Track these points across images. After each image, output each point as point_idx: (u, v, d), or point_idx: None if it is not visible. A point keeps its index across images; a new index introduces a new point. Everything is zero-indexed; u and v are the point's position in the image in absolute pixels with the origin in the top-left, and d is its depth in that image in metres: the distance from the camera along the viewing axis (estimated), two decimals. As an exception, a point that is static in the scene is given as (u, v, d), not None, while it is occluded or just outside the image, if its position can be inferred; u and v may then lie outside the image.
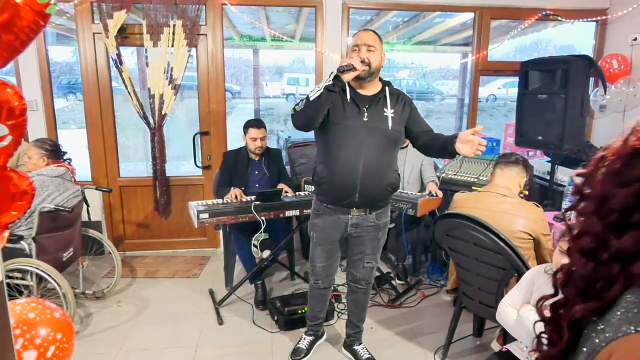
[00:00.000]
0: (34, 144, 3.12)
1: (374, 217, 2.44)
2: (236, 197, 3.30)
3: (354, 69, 2.17)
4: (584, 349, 0.64)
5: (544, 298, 0.79)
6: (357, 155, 2.27)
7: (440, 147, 2.28)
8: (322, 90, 2.14)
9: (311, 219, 2.55)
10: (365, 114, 2.30)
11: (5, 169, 1.23)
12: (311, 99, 2.16)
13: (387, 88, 2.37)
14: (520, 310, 1.85)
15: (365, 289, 2.67)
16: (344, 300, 3.42)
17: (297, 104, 2.25)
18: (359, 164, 2.28)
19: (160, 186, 4.22)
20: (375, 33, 2.35)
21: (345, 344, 2.84)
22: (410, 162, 3.79)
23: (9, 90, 1.14)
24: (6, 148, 1.16)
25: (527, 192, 2.73)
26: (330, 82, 2.16)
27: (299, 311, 3.03)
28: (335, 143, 2.29)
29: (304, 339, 2.80)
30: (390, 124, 2.33)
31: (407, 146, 3.80)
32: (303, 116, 2.22)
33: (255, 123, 3.52)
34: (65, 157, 3.25)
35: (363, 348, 2.77)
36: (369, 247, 2.52)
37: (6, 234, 1.33)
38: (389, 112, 2.34)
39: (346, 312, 3.26)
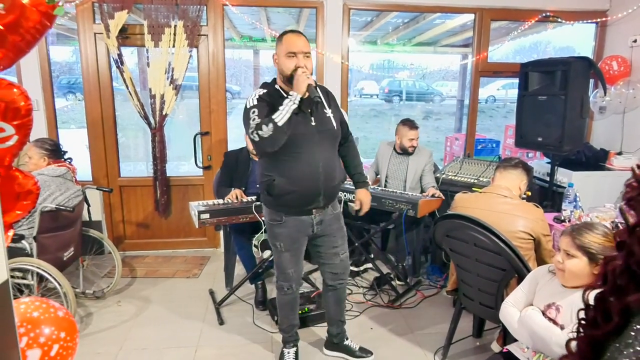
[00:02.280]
0: (34, 144, 3.12)
1: (331, 209, 2.51)
2: (237, 197, 3.30)
3: (315, 88, 2.20)
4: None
5: (590, 287, 0.80)
6: (316, 160, 2.29)
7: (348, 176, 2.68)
8: (290, 114, 2.13)
9: (271, 229, 2.46)
10: (312, 118, 2.31)
11: (11, 169, 1.24)
12: (280, 124, 2.11)
13: (317, 88, 2.27)
14: (523, 311, 1.86)
15: (345, 282, 2.72)
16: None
17: (257, 130, 2.11)
18: (319, 168, 2.30)
19: (161, 186, 4.23)
20: (304, 36, 2.33)
21: (331, 344, 2.81)
22: (413, 168, 3.78)
23: (15, 90, 1.15)
24: (12, 148, 1.16)
25: (529, 193, 2.74)
26: (296, 105, 2.15)
27: (299, 312, 3.03)
28: (292, 153, 2.25)
29: (288, 353, 2.68)
30: (334, 123, 2.39)
31: (412, 153, 3.81)
32: (274, 142, 2.13)
33: None
34: (66, 157, 3.26)
35: (351, 342, 2.80)
36: (338, 238, 2.58)
37: (11, 233, 1.34)
38: (328, 111, 2.38)
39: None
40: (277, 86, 2.35)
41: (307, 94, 2.18)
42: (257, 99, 2.24)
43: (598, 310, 0.74)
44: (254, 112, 2.18)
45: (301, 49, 2.25)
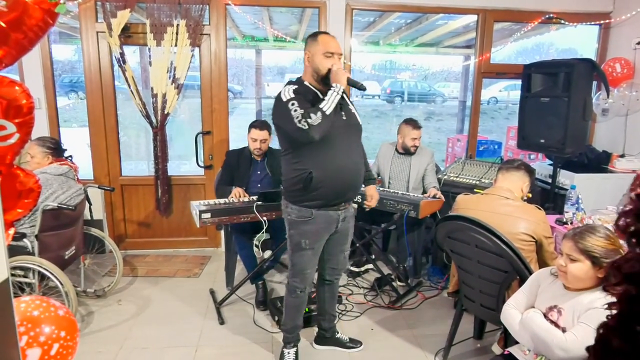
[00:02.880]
0: (36, 143, 3.12)
1: (351, 207, 2.60)
2: (239, 195, 3.30)
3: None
4: None
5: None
6: (347, 153, 2.38)
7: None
8: (335, 104, 2.23)
9: (297, 227, 2.42)
10: (342, 112, 2.39)
11: (12, 167, 1.24)
12: (328, 112, 2.19)
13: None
14: (525, 313, 1.85)
15: (340, 277, 2.80)
16: (344, 301, 3.43)
17: (306, 117, 2.16)
18: (351, 161, 2.39)
19: (162, 185, 4.22)
20: None
21: (323, 338, 2.86)
22: (416, 168, 3.78)
23: (17, 88, 1.14)
24: (13, 146, 1.16)
25: (530, 195, 2.73)
26: (340, 96, 2.26)
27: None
28: (327, 146, 2.30)
29: (288, 353, 2.67)
30: (358, 118, 2.50)
31: (414, 153, 3.80)
32: (322, 129, 2.19)
33: (259, 124, 3.52)
34: (67, 155, 3.26)
35: (341, 334, 2.89)
36: (350, 235, 2.66)
37: (12, 231, 1.34)
38: (352, 107, 2.51)
39: (344, 313, 3.27)
40: (306, 83, 2.39)
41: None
42: (293, 92, 2.27)
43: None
44: (292, 104, 2.20)
45: (338, 50, 2.35)
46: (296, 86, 2.33)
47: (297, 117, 2.17)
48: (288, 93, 2.25)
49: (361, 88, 2.36)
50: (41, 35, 1.13)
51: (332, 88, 2.26)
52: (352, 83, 2.36)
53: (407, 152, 3.80)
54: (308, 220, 2.40)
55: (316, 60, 2.32)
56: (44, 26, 1.12)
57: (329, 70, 2.31)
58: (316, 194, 2.35)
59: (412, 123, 3.76)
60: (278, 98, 2.29)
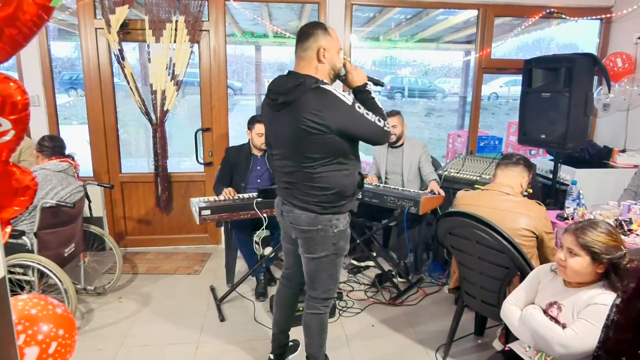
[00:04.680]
0: (39, 142, 3.12)
1: None
2: (229, 195, 3.30)
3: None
4: None
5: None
6: None
7: None
8: None
9: (342, 236, 2.19)
10: None
11: (8, 164, 1.23)
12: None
13: None
14: (524, 309, 1.85)
15: None
16: (345, 297, 3.42)
17: (385, 120, 2.08)
18: None
19: (162, 182, 4.22)
20: None
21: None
22: (408, 160, 3.78)
23: (11, 84, 1.13)
24: (8, 143, 1.15)
25: (530, 191, 2.72)
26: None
27: (300, 308, 3.01)
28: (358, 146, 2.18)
29: None
30: None
31: (402, 145, 3.81)
32: None
33: (262, 119, 3.51)
34: (68, 153, 3.25)
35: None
36: None
37: (8, 229, 1.33)
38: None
39: (344, 311, 3.27)
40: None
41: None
42: (347, 93, 2.09)
43: None
44: (359, 107, 2.01)
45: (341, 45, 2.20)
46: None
47: (378, 119, 2.03)
48: (347, 95, 2.01)
49: (379, 84, 2.25)
50: (36, 30, 1.12)
51: (366, 90, 2.13)
52: (372, 80, 2.21)
53: (394, 144, 3.80)
54: (347, 225, 2.23)
55: (334, 57, 2.10)
56: (39, 21, 1.11)
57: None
58: (355, 196, 2.22)
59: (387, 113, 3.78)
60: (337, 100, 1.96)
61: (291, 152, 2.08)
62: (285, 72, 2.15)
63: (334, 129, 1.95)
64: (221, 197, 3.28)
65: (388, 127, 2.07)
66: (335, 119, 1.95)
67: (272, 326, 2.60)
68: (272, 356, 2.59)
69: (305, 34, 2.06)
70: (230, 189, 3.39)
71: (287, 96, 2.00)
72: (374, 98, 2.13)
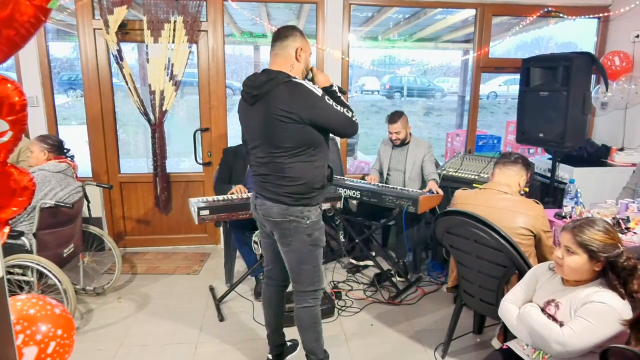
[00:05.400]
0: (37, 139, 3.12)
1: None
2: (239, 192, 3.30)
3: None
4: None
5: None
6: None
7: None
8: None
9: (316, 227, 2.24)
10: None
11: (6, 165, 1.23)
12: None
13: None
14: (522, 307, 1.85)
15: None
16: (344, 297, 3.43)
17: (353, 112, 2.18)
18: None
19: (161, 182, 4.22)
20: None
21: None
22: (412, 159, 3.80)
23: (9, 85, 1.13)
24: (6, 144, 1.15)
25: (527, 190, 2.72)
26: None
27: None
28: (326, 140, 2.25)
29: None
30: None
31: (408, 143, 3.83)
32: None
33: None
34: (68, 154, 3.25)
35: None
36: None
37: (7, 229, 1.33)
38: None
39: (343, 310, 3.28)
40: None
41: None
42: (317, 88, 2.15)
43: None
44: (328, 99, 2.11)
45: None
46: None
47: (346, 111, 2.13)
48: (317, 88, 2.11)
49: (343, 92, 2.33)
50: (33, 32, 1.12)
51: (332, 90, 2.22)
52: (337, 87, 2.33)
53: (401, 144, 3.82)
54: (319, 216, 2.28)
55: (308, 58, 2.25)
56: (36, 22, 1.11)
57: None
58: (326, 188, 2.29)
59: (388, 117, 3.84)
60: (307, 91, 2.06)
61: (263, 143, 2.16)
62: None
63: (304, 119, 2.04)
64: (234, 196, 3.26)
65: (356, 119, 2.16)
66: (305, 109, 2.04)
67: (265, 327, 2.61)
68: (270, 356, 2.60)
69: (284, 35, 2.18)
70: (240, 186, 3.37)
71: (261, 89, 2.09)
72: (340, 97, 2.23)
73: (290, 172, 2.13)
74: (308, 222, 2.20)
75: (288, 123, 2.04)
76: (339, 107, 2.11)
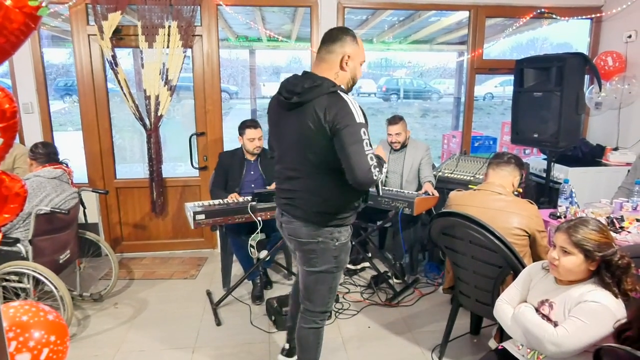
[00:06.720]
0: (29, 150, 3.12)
1: None
2: (235, 199, 3.31)
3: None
4: None
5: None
6: None
7: None
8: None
9: (344, 249, 2.08)
10: None
11: (-3, 172, 1.23)
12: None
13: None
14: (516, 307, 1.85)
15: None
16: (341, 299, 3.43)
17: (380, 172, 1.85)
18: None
19: (157, 187, 4.22)
20: None
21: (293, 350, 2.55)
22: (409, 162, 3.80)
23: (-1, 93, 1.14)
24: (-2, 151, 1.16)
25: (521, 190, 2.73)
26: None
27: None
28: None
29: None
30: None
31: (406, 146, 3.83)
32: None
33: (252, 124, 3.54)
34: (62, 160, 3.25)
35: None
36: None
37: (-1, 236, 1.33)
38: None
39: (340, 313, 3.28)
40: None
41: None
42: (362, 113, 1.86)
43: None
44: (364, 132, 1.81)
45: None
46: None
47: (374, 165, 1.80)
48: (359, 113, 1.84)
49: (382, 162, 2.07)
50: (23, 39, 1.12)
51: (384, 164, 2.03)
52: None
53: (400, 147, 3.84)
54: (349, 237, 2.11)
55: (356, 67, 2.01)
56: (26, 30, 1.11)
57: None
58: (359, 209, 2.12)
59: (388, 120, 3.85)
60: (348, 112, 1.82)
61: (296, 157, 1.96)
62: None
63: (336, 128, 1.82)
64: (229, 200, 3.27)
65: (376, 177, 1.80)
66: (345, 135, 1.80)
67: (288, 319, 2.58)
68: (287, 346, 2.60)
69: (332, 37, 1.96)
70: (234, 194, 3.39)
71: (302, 96, 1.87)
72: (379, 158, 1.98)
73: (323, 189, 1.94)
74: (337, 243, 2.03)
75: (323, 138, 1.84)
76: (367, 148, 1.80)
